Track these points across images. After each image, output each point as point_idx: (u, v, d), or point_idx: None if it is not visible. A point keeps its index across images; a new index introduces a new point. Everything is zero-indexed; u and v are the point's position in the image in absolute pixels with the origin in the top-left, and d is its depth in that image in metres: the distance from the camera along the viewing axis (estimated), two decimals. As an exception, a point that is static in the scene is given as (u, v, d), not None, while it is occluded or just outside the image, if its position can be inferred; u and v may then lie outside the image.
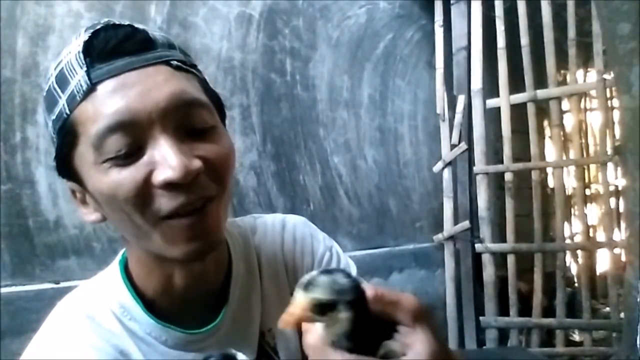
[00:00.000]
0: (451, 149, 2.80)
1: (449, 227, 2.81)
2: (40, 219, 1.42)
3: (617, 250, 2.55)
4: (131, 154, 0.50)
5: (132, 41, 0.52)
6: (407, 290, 2.67)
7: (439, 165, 2.85)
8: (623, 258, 2.46)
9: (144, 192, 0.50)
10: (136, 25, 0.54)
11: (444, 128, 2.85)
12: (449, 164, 2.82)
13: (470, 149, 2.76)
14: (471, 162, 2.76)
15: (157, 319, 0.58)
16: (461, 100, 2.79)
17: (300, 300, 0.40)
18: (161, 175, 0.50)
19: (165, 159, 0.50)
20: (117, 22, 0.54)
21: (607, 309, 2.81)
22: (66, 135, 0.53)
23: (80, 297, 0.61)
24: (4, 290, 1.33)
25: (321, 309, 0.40)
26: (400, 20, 2.86)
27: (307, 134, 2.29)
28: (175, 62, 0.54)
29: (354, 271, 0.74)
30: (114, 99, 0.50)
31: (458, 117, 2.77)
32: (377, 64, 2.72)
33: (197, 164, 0.51)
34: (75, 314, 0.59)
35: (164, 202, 0.51)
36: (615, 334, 2.47)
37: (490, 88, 2.85)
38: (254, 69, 2.08)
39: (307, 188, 2.28)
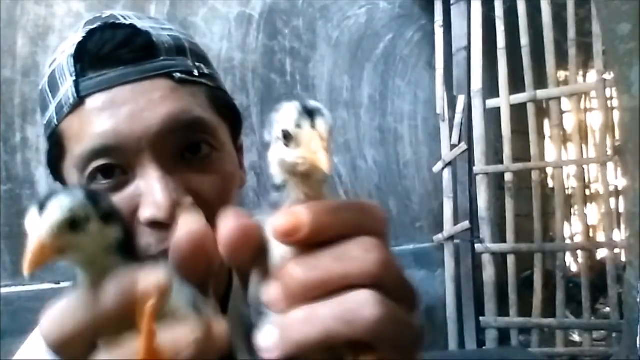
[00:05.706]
0: (451, 149, 2.80)
1: (449, 227, 2.81)
2: (40, 219, 1.42)
3: (617, 250, 2.55)
4: (117, 180, 0.46)
5: (131, 47, 0.47)
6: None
7: (439, 166, 2.84)
8: (623, 258, 2.46)
9: (130, 225, 0.45)
10: (140, 25, 0.48)
11: (444, 128, 2.85)
12: (449, 164, 2.82)
13: (470, 149, 2.76)
14: (471, 162, 2.76)
15: None
16: (461, 100, 2.79)
17: (41, 230, 0.27)
18: (146, 212, 0.45)
19: (152, 193, 0.45)
20: (119, 21, 0.48)
21: (607, 309, 2.80)
22: (55, 146, 0.50)
23: None
24: (4, 290, 1.33)
25: (73, 228, 0.28)
26: (400, 20, 2.86)
27: (307, 134, 2.29)
28: (178, 75, 0.48)
29: None
30: (101, 118, 0.45)
31: (458, 117, 2.77)
32: (377, 64, 2.71)
33: (186, 201, 0.45)
34: None
35: (153, 243, 0.45)
36: (615, 334, 2.47)
37: (490, 88, 2.85)
38: (254, 69, 2.08)
39: (307, 188, 2.27)
